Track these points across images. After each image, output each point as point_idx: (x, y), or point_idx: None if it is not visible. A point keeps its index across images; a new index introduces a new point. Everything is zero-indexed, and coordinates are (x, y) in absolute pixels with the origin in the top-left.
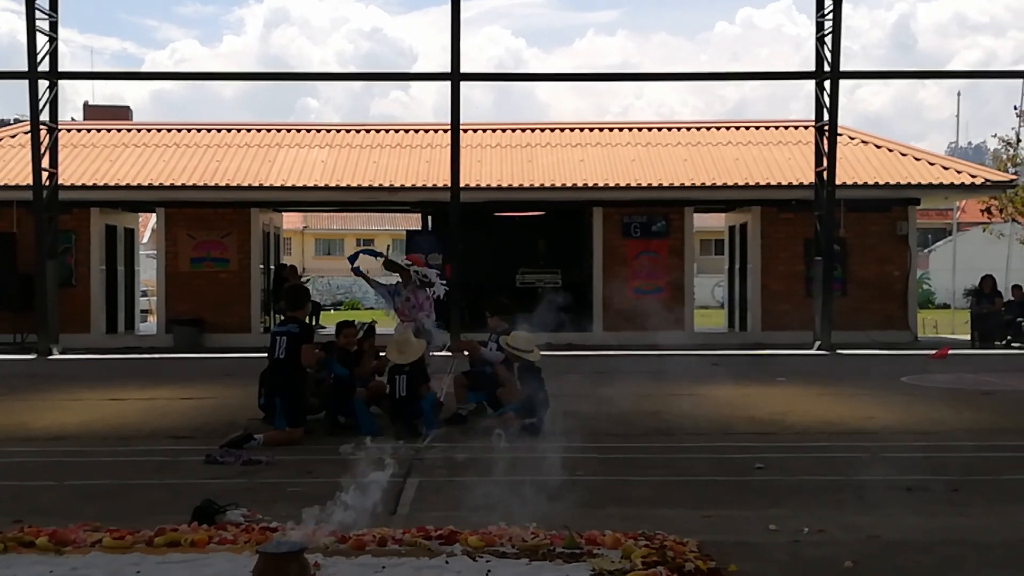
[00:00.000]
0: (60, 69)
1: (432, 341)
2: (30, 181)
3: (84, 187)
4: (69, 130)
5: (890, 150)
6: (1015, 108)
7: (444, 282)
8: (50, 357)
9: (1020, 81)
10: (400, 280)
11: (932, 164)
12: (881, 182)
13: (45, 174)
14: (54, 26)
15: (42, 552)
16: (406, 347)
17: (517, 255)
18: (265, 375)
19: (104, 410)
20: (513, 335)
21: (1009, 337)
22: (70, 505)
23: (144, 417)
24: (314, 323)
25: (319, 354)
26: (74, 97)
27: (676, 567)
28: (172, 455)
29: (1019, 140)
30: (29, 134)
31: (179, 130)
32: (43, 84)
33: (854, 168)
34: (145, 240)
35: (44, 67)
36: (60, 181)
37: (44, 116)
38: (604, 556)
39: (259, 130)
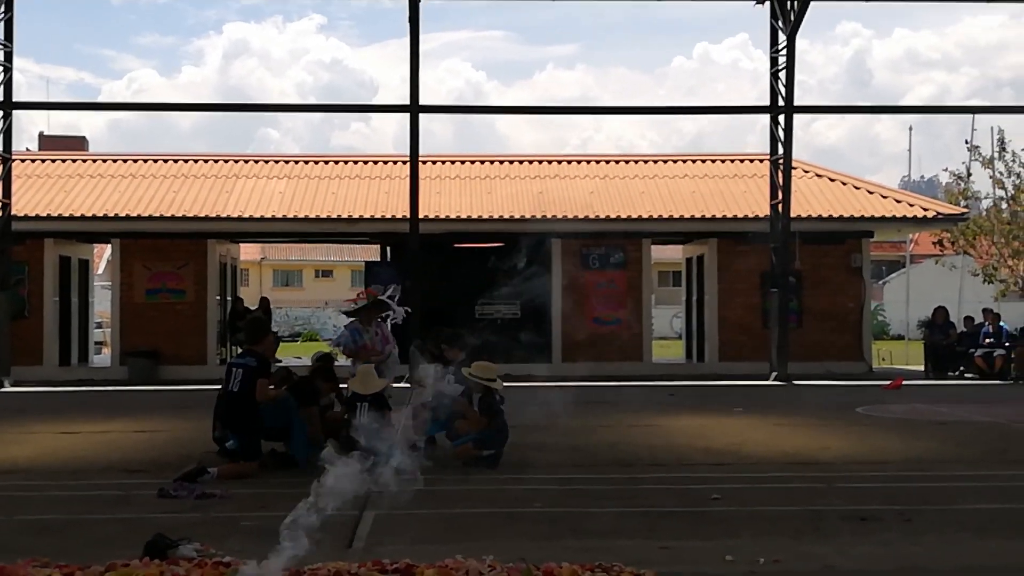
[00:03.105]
0: (15, 99)
1: (394, 372)
2: None
3: (38, 218)
4: (23, 160)
5: (844, 183)
6: (966, 143)
7: (402, 308)
8: (1, 390)
9: (971, 116)
10: (356, 319)
11: (885, 197)
12: (835, 215)
13: None
14: (9, 56)
15: None
16: (368, 379)
17: (476, 286)
18: (219, 408)
19: (56, 443)
20: (475, 364)
21: (962, 368)
22: (20, 540)
23: (97, 450)
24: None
25: (273, 392)
26: (29, 127)
27: None
28: (125, 489)
29: (970, 174)
30: None
31: (135, 161)
32: None
33: (808, 201)
34: (100, 271)
35: None
36: (13, 212)
37: None
38: None
39: (217, 161)
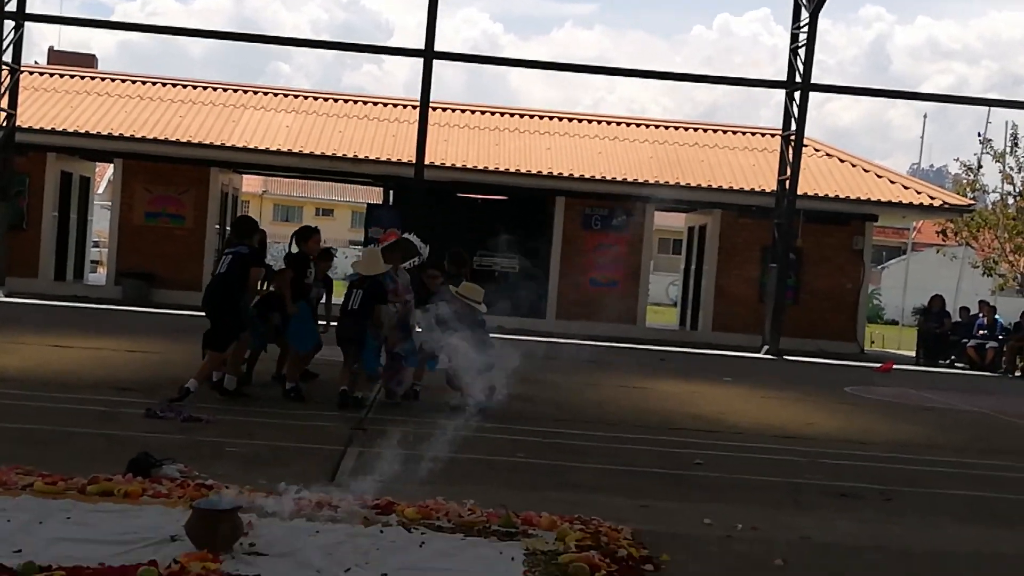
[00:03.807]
0: (28, 11)
1: (414, 319)
2: None
3: (42, 131)
4: (31, 72)
5: (853, 165)
6: (979, 135)
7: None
8: None
9: (987, 109)
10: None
11: (893, 182)
12: (842, 195)
13: (2, 114)
14: None
15: None
16: (372, 260)
17: (477, 237)
18: (204, 294)
19: (47, 356)
20: (463, 285)
21: (953, 357)
22: (5, 448)
23: (87, 366)
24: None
25: (282, 290)
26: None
27: (609, 552)
28: (112, 406)
29: (980, 167)
30: None
31: (144, 82)
32: (9, 24)
33: (816, 180)
34: (101, 191)
35: (11, 7)
36: (18, 123)
37: (7, 57)
38: (539, 537)
39: (226, 89)
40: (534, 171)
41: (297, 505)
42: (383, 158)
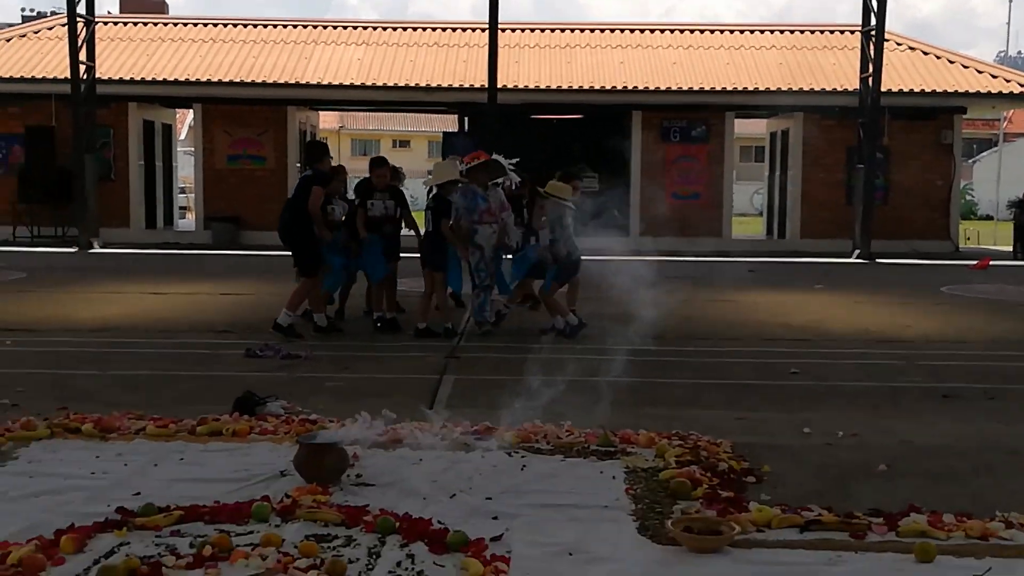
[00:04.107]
0: None
1: (513, 239)
2: (67, 75)
3: (121, 81)
4: (106, 23)
5: (937, 57)
6: None
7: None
8: (91, 251)
9: None
10: (466, 184)
11: (980, 72)
12: (927, 89)
13: (82, 68)
14: None
15: (87, 438)
16: (441, 170)
17: (554, 159)
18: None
19: (145, 303)
20: (549, 184)
21: None
22: (114, 394)
23: (185, 311)
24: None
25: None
26: None
27: (709, 466)
28: (212, 348)
29: None
30: (66, 27)
31: (215, 25)
32: None
33: (900, 75)
34: (182, 137)
35: None
36: (97, 75)
37: (81, 8)
38: (638, 454)
39: (295, 26)
40: (608, 87)
41: (398, 435)
42: (456, 85)
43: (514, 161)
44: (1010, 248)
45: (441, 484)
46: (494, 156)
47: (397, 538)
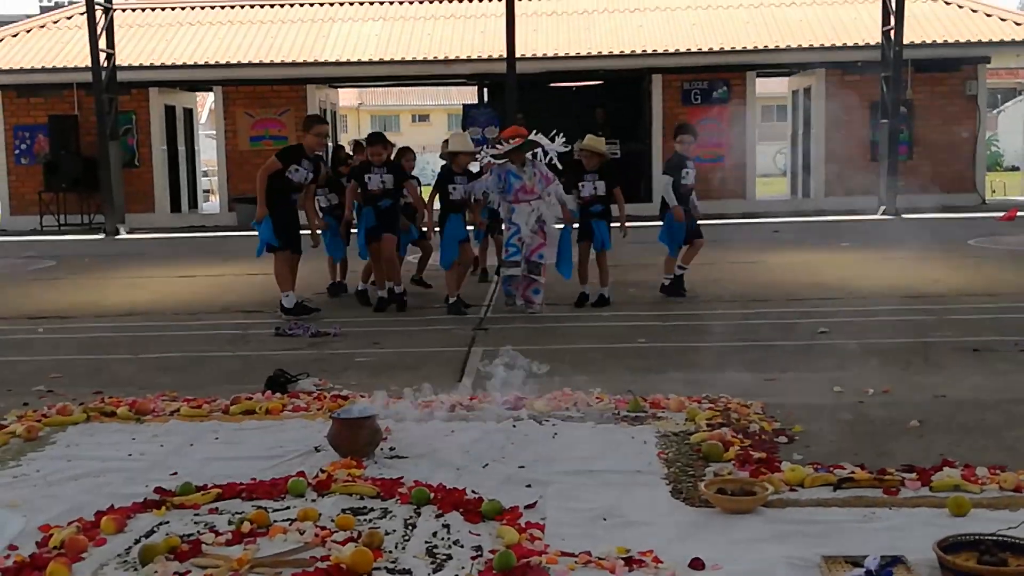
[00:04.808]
0: None
1: (555, 213)
2: (88, 63)
3: (142, 67)
4: (123, 10)
5: (960, 6)
6: None
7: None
8: (117, 237)
9: None
10: (506, 161)
11: (1004, 20)
12: (950, 40)
13: (103, 55)
14: None
15: (123, 421)
16: (452, 139)
17: (575, 126)
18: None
19: (174, 286)
20: (587, 138)
21: None
22: (147, 377)
23: (213, 293)
24: None
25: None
26: None
27: (740, 428)
28: (242, 328)
29: None
30: (85, 16)
31: (232, 7)
32: None
33: (922, 26)
34: (204, 120)
35: None
36: (118, 62)
37: None
38: (669, 419)
39: (312, 4)
40: (627, 51)
41: (430, 407)
42: (474, 56)
43: (560, 140)
44: None
45: (474, 454)
46: (532, 135)
47: (432, 509)
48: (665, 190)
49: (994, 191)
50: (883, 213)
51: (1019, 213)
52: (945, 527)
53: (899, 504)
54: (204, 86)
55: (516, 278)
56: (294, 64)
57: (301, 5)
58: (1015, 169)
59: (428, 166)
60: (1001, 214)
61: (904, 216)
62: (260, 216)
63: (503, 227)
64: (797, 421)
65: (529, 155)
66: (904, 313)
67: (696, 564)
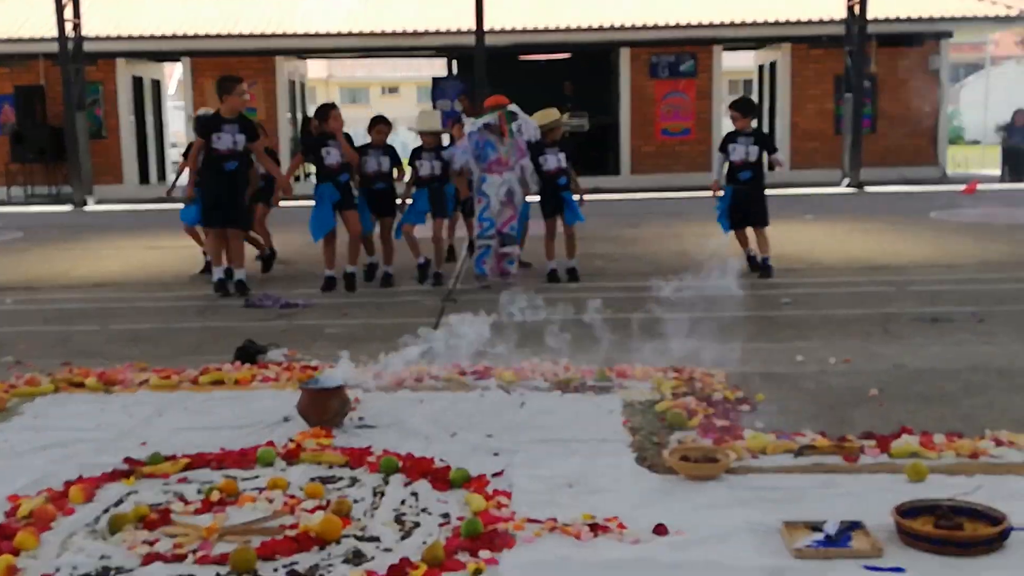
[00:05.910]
0: None
1: (532, 186)
2: (55, 33)
3: (108, 38)
4: None
5: None
6: None
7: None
8: (85, 208)
9: None
10: (484, 129)
11: None
12: (914, 15)
13: (69, 24)
14: None
15: (92, 391)
16: (421, 117)
17: (543, 99)
18: None
19: (143, 258)
20: (537, 114)
21: None
22: (116, 348)
23: (183, 264)
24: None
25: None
26: None
27: (704, 397)
28: (212, 300)
29: None
30: None
31: None
32: None
33: (886, 1)
34: (172, 91)
35: None
36: (84, 32)
37: None
38: (634, 388)
39: None
40: (595, 25)
41: (399, 377)
42: (443, 29)
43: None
44: (998, 171)
45: (442, 424)
46: (511, 107)
47: (401, 477)
48: (715, 165)
49: (957, 165)
50: (847, 186)
51: (979, 186)
52: (903, 493)
53: (859, 471)
54: (172, 57)
55: (488, 253)
56: (263, 36)
57: None
58: (976, 143)
59: (397, 137)
60: (962, 187)
61: (867, 189)
62: (189, 195)
63: (474, 199)
64: (760, 390)
65: (514, 126)
66: (865, 284)
67: (660, 530)
